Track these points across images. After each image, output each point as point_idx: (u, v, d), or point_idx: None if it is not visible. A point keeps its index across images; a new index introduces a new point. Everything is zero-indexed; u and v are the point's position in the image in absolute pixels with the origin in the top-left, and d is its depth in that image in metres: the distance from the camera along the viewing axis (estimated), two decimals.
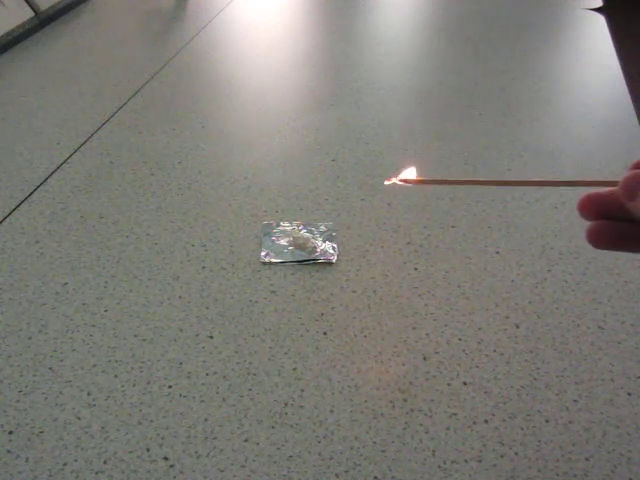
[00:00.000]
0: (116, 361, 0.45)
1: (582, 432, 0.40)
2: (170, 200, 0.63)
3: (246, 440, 0.40)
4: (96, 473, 0.38)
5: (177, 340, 0.47)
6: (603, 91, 0.85)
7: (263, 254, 0.55)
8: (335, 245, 0.56)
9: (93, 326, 0.48)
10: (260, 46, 1.01)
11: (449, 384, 0.43)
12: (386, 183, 0.55)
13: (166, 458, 0.39)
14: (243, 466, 0.38)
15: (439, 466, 0.38)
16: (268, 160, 0.69)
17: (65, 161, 0.70)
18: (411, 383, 0.43)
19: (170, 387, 0.43)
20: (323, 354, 0.45)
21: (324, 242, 0.56)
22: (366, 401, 0.42)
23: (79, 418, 0.41)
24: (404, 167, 0.53)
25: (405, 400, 0.42)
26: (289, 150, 0.71)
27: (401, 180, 0.54)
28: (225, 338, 0.47)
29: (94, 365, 0.45)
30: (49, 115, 0.80)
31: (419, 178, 0.53)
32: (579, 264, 0.54)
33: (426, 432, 0.40)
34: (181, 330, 0.48)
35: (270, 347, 0.46)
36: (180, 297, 0.51)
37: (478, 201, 0.62)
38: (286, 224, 0.58)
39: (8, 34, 0.99)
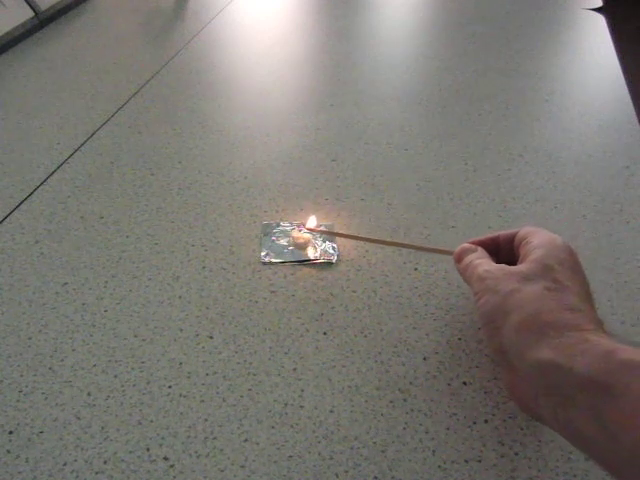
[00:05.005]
0: (116, 361, 0.45)
1: None
2: (170, 200, 0.63)
3: (246, 440, 0.40)
4: (96, 473, 0.38)
5: (177, 340, 0.47)
6: (603, 91, 0.85)
7: (263, 254, 0.55)
8: (335, 245, 0.56)
9: (93, 326, 0.48)
10: (260, 46, 1.01)
11: (449, 384, 0.43)
12: (295, 235, 0.59)
13: (166, 458, 0.39)
14: (243, 466, 0.38)
15: (439, 466, 0.38)
16: (268, 160, 0.69)
17: (65, 161, 0.70)
18: (411, 383, 0.43)
19: (170, 387, 0.43)
20: (323, 354, 0.45)
21: (324, 242, 0.56)
22: (366, 401, 0.42)
23: (79, 418, 0.41)
24: (309, 216, 0.56)
25: (405, 400, 0.42)
26: (289, 150, 0.71)
27: (307, 229, 0.58)
28: (225, 338, 0.47)
29: (94, 365, 0.45)
30: (49, 115, 0.80)
31: (322, 229, 0.57)
32: None
33: (426, 432, 0.40)
34: (181, 330, 0.48)
35: (270, 347, 0.46)
36: (180, 297, 0.51)
37: (478, 201, 0.62)
38: (286, 224, 0.58)
39: (8, 34, 0.99)
